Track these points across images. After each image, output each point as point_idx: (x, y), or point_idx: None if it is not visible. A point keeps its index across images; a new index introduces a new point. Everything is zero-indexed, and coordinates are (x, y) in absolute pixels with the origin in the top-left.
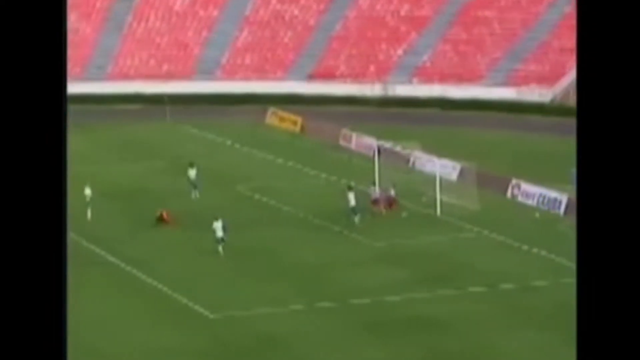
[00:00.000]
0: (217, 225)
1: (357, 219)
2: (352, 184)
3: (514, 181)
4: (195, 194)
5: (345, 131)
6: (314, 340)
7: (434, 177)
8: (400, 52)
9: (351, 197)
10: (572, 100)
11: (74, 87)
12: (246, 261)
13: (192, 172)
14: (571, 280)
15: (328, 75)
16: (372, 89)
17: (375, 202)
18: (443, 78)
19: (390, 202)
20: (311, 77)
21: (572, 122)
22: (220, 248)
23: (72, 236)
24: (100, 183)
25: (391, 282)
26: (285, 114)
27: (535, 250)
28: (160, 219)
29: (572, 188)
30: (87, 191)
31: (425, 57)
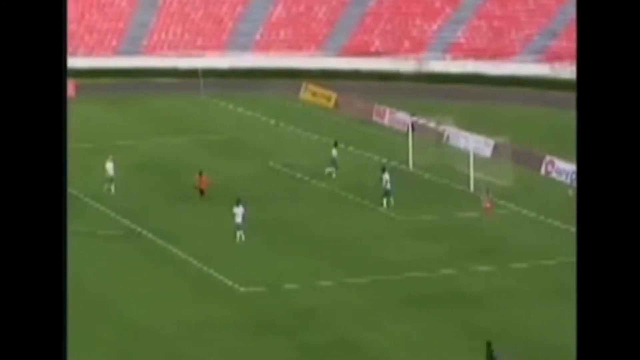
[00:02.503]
0: (238, 211)
1: (390, 201)
2: (385, 161)
3: (547, 158)
4: (332, 173)
5: (378, 106)
6: (347, 315)
7: (468, 153)
8: (434, 27)
9: (385, 178)
10: None
11: (109, 61)
12: (278, 235)
13: (334, 152)
14: None
15: (362, 51)
16: (405, 65)
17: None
18: (477, 54)
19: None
20: (345, 52)
21: None
22: (238, 234)
23: (103, 209)
24: (133, 156)
25: (424, 257)
26: (319, 89)
27: (567, 227)
28: (198, 184)
29: None
30: (109, 165)
31: (459, 33)
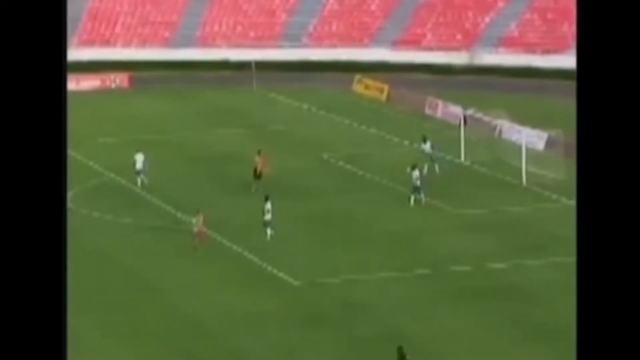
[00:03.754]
0: (267, 207)
1: (419, 198)
2: (415, 165)
3: None
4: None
5: (431, 99)
6: (397, 309)
7: (520, 146)
8: (487, 20)
9: (415, 175)
10: None
11: (161, 54)
12: (331, 228)
13: (426, 146)
14: None
15: (414, 43)
16: (458, 57)
17: None
18: (529, 47)
19: None
20: (397, 44)
21: None
22: (269, 232)
23: (155, 201)
24: (185, 148)
25: (476, 251)
26: (371, 82)
27: None
28: (256, 165)
29: None
30: (139, 156)
31: (512, 26)
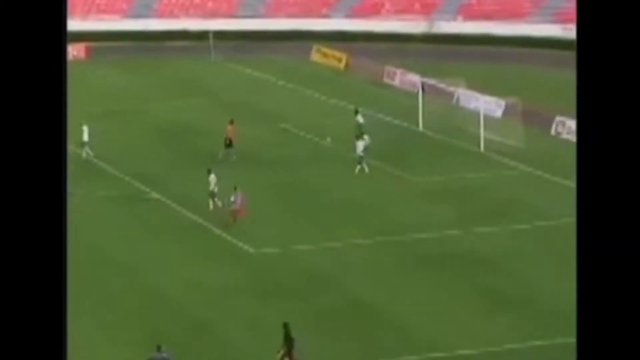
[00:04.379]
0: (212, 178)
1: (363, 167)
2: (361, 134)
3: (558, 118)
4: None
5: (389, 68)
6: (360, 277)
7: (478, 114)
8: None
9: (359, 145)
10: None
11: (120, 24)
12: (292, 198)
13: (358, 117)
14: None
15: (373, 12)
16: (416, 26)
17: None
18: (488, 15)
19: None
20: (355, 13)
21: None
22: (211, 203)
23: (115, 172)
24: (145, 119)
25: (435, 218)
26: (329, 51)
27: None
28: (227, 134)
29: None
30: (85, 128)
31: None
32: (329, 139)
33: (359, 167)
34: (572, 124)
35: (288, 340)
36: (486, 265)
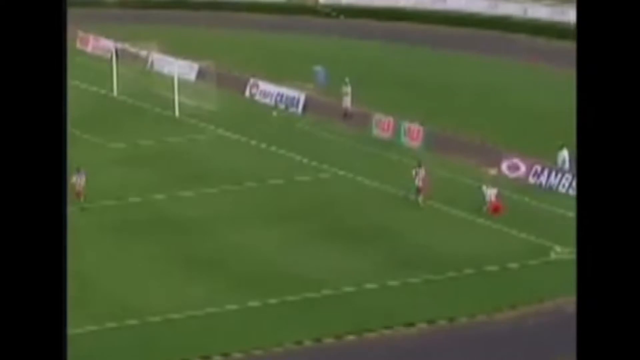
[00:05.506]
0: None
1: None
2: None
3: (252, 80)
4: None
5: (82, 34)
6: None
7: (172, 78)
8: None
9: None
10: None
11: None
12: None
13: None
14: (307, 178)
15: None
16: None
17: None
18: None
19: None
20: None
21: (312, 20)
22: None
23: None
24: None
25: (132, 183)
26: None
27: (273, 148)
28: None
29: (314, 86)
30: None
31: None
32: None
33: None
34: (265, 86)
35: None
36: (183, 229)
